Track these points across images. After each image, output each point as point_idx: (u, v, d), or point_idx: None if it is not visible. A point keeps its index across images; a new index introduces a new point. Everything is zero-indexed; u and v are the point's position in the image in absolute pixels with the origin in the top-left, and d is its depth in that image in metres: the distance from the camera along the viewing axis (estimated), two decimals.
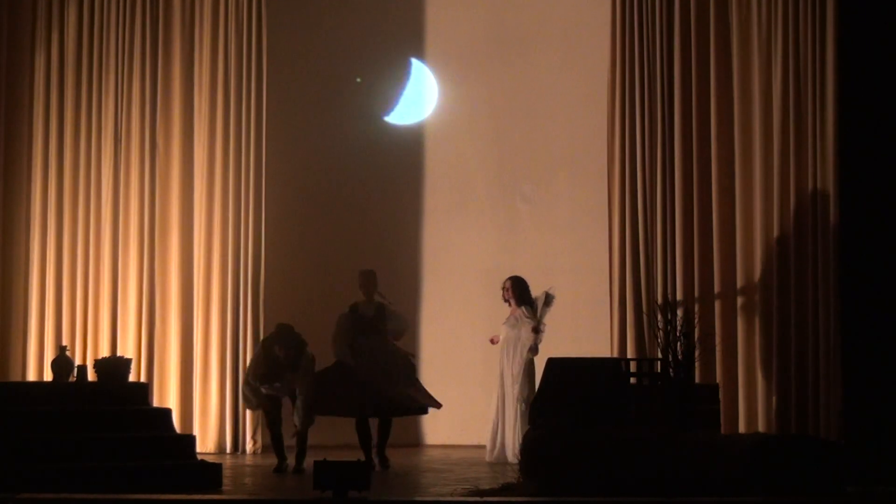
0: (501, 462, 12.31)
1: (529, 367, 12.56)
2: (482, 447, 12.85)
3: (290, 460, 11.63)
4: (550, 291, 12.73)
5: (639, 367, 11.61)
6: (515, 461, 12.03)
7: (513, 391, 12.53)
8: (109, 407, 10.61)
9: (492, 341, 12.94)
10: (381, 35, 15.18)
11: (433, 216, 15.19)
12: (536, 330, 12.56)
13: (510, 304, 12.86)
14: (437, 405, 12.18)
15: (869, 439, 11.43)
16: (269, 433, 11.90)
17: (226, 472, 10.50)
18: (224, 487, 10.12)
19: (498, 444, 12.55)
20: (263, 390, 11.66)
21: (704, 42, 13.16)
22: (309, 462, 9.13)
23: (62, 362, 11.01)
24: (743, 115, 13.01)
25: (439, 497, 9.47)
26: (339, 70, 15.14)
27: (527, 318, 12.64)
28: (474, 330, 14.38)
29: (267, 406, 11.79)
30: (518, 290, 12.80)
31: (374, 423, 12.09)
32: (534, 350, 12.59)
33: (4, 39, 13.93)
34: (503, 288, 12.90)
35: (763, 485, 8.96)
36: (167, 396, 13.55)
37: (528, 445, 9.87)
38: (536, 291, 12.75)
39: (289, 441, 11.70)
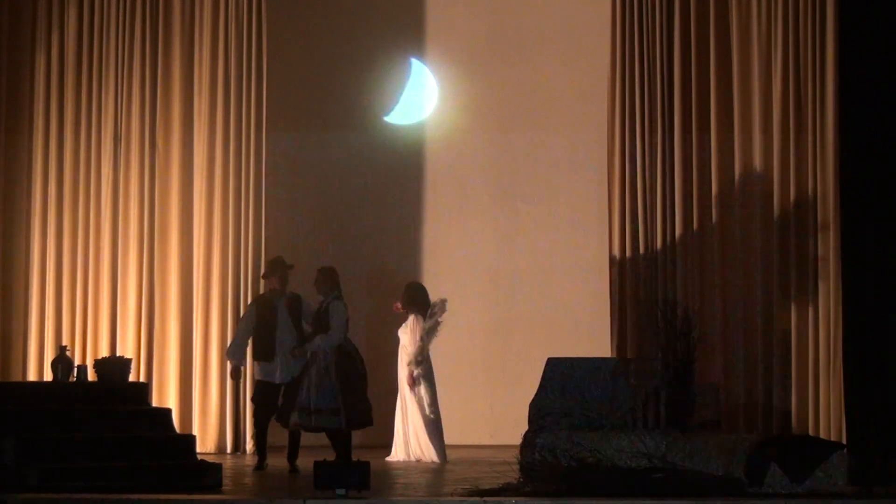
0: (430, 461, 12.30)
1: (428, 374, 12.50)
2: (482, 447, 12.86)
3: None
4: (442, 301, 12.58)
5: (639, 367, 11.60)
6: (439, 460, 12.28)
7: (413, 396, 12.47)
8: (109, 407, 10.60)
9: (411, 376, 12.50)
10: (381, 35, 15.17)
11: (433, 216, 15.17)
12: (417, 361, 12.42)
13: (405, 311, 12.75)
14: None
15: (869, 439, 11.43)
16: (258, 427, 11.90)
17: (226, 472, 10.47)
18: (224, 487, 10.11)
19: (419, 447, 12.45)
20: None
21: (704, 42, 13.16)
22: (309, 462, 9.10)
23: (62, 362, 11.00)
24: (743, 115, 13.01)
25: (439, 497, 9.45)
26: (339, 70, 15.13)
27: (415, 326, 12.52)
28: (474, 330, 14.39)
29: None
30: (406, 296, 12.65)
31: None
32: (414, 363, 12.44)
33: (4, 39, 13.93)
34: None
35: (763, 485, 8.97)
36: (167, 396, 13.55)
37: (529, 446, 9.86)
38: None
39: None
